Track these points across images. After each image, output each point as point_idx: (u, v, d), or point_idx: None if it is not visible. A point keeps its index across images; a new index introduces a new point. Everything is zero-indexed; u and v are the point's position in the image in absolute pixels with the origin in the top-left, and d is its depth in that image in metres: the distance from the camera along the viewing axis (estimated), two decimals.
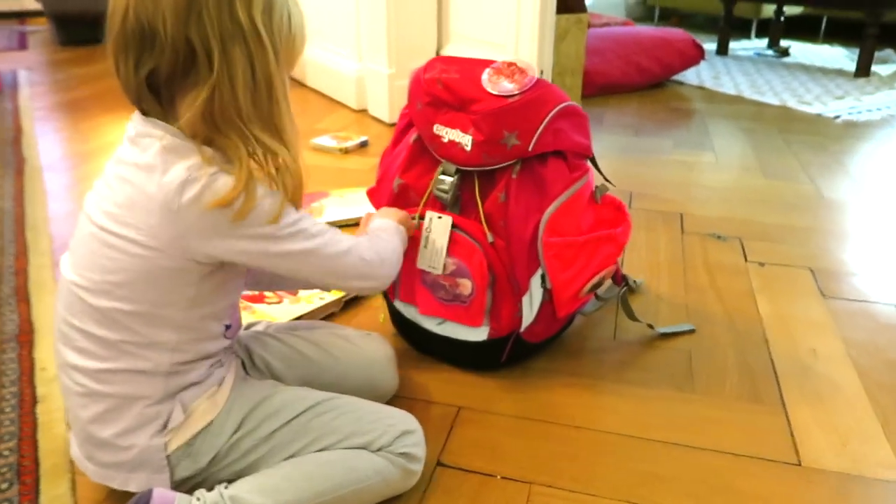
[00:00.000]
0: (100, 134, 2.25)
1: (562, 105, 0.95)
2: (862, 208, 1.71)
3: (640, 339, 1.15)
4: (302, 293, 1.24)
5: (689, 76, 3.17)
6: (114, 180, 0.71)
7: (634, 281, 1.29)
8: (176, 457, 0.74)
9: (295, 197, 0.73)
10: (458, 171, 0.98)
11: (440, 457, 0.89)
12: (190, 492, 0.73)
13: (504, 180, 0.96)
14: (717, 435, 0.93)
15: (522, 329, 1.00)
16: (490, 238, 0.97)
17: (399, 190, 1.04)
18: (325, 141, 2.14)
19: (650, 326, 1.16)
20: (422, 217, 1.00)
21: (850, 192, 1.82)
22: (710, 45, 3.59)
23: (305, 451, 0.77)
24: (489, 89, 0.95)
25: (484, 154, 0.95)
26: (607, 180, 1.09)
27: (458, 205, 1.01)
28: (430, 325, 1.05)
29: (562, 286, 0.97)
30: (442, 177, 1.00)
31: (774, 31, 3.86)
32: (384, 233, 0.90)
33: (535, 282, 0.97)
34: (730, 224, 1.60)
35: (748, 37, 4.26)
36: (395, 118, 2.36)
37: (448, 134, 0.98)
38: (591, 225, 1.02)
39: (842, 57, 3.69)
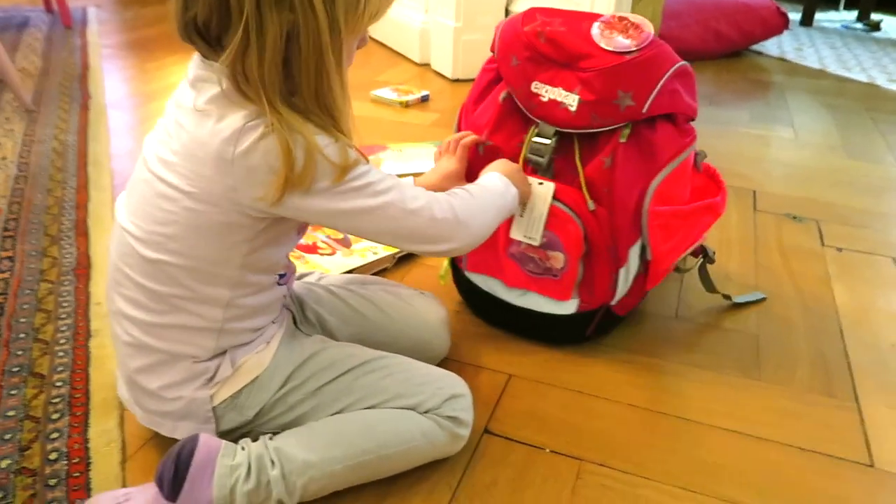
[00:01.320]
0: (164, 75, 2.26)
1: (678, 65, 0.88)
2: None
3: (705, 318, 1.10)
4: (355, 246, 1.22)
5: (770, 46, 3.00)
6: (172, 125, 0.68)
7: (713, 251, 1.22)
8: (221, 409, 0.73)
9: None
10: (556, 133, 0.91)
11: (488, 424, 0.86)
12: (236, 441, 0.72)
13: (611, 144, 0.88)
14: (785, 427, 0.88)
15: (615, 302, 0.95)
16: (591, 206, 0.90)
17: (486, 152, 0.97)
18: (386, 94, 2.10)
19: (726, 297, 1.11)
20: None
21: None
22: (793, 16, 3.38)
23: (352, 409, 0.75)
24: (603, 45, 0.87)
25: (592, 115, 0.87)
26: None
27: (551, 169, 0.92)
28: (511, 297, 0.99)
29: (661, 257, 0.92)
30: (538, 139, 0.91)
31: (866, 3, 3.61)
32: (483, 191, 0.82)
33: (634, 253, 0.92)
34: (807, 204, 1.51)
35: (836, 8, 4.00)
36: (458, 74, 2.31)
37: (548, 93, 0.89)
38: (690, 194, 0.96)
39: None
